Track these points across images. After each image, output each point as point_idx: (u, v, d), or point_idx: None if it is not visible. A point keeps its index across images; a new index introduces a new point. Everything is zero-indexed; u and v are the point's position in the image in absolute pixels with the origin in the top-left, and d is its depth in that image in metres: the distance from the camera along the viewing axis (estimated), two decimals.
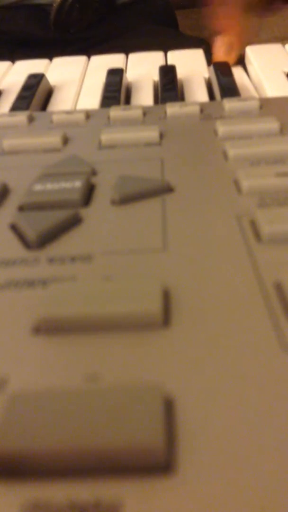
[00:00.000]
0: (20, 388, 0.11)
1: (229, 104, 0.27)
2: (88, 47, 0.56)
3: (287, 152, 0.21)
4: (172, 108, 0.27)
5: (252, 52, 0.40)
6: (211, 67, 0.37)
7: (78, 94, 0.36)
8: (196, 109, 0.27)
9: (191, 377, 0.11)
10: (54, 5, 0.50)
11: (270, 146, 0.21)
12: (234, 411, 0.10)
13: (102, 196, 0.19)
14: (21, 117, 0.28)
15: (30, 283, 0.14)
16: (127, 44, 0.46)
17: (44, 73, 0.38)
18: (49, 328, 0.13)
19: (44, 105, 0.35)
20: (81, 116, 0.28)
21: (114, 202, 0.19)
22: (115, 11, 0.59)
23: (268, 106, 0.28)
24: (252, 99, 0.28)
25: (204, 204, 0.18)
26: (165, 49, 0.41)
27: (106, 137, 0.24)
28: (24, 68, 0.40)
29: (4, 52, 0.45)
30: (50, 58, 0.43)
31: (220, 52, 0.41)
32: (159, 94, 0.34)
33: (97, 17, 0.59)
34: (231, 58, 0.41)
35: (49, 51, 0.43)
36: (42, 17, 0.56)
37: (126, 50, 0.43)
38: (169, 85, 0.34)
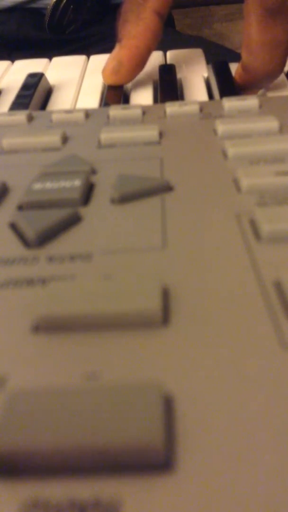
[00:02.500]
0: (19, 386, 0.11)
1: (229, 103, 0.27)
2: (86, 46, 0.56)
3: (286, 151, 0.21)
4: (171, 107, 0.27)
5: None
6: (210, 66, 0.37)
7: (77, 94, 0.36)
8: (196, 108, 0.27)
9: (190, 375, 0.11)
10: (48, 7, 0.50)
11: (269, 145, 0.21)
12: (234, 409, 0.10)
13: (102, 195, 0.19)
14: (21, 116, 0.28)
15: (30, 282, 0.14)
16: None
17: (44, 72, 0.38)
18: (48, 326, 0.13)
19: (43, 104, 0.35)
20: (81, 115, 0.28)
21: (113, 201, 0.19)
22: (112, 11, 0.59)
23: (267, 105, 0.28)
24: (252, 98, 0.28)
25: (203, 203, 0.18)
26: (164, 48, 0.41)
27: (105, 136, 0.24)
28: (24, 67, 0.40)
29: (2, 55, 0.45)
30: (49, 58, 0.43)
31: (108, 69, 0.34)
32: (159, 93, 0.34)
33: (91, 17, 0.59)
34: (120, 78, 0.34)
35: (46, 52, 0.43)
36: (37, 19, 0.55)
37: None
38: (168, 84, 0.34)
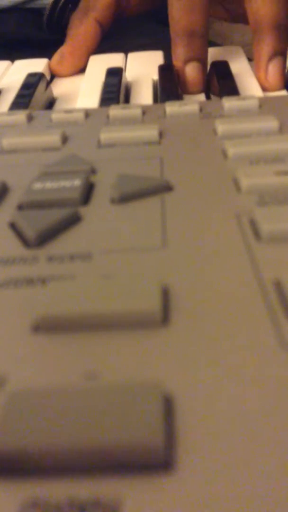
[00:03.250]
0: (19, 386, 0.11)
1: (229, 103, 0.27)
2: None
3: (286, 150, 0.21)
4: (171, 107, 0.27)
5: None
6: (210, 66, 0.37)
7: (77, 93, 0.36)
8: (196, 108, 0.27)
9: (190, 375, 0.11)
10: (47, 7, 0.50)
11: (269, 144, 0.21)
12: (234, 409, 0.10)
13: (102, 194, 0.19)
14: (20, 116, 0.28)
15: (29, 282, 0.14)
16: (126, 43, 0.46)
17: (44, 72, 0.38)
18: (48, 326, 0.13)
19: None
20: (80, 115, 0.28)
21: (113, 201, 0.19)
22: None
23: (267, 105, 0.28)
24: (252, 98, 0.28)
25: (203, 203, 0.18)
26: (165, 48, 0.41)
27: (105, 135, 0.24)
28: (24, 67, 0.40)
29: (2, 55, 0.45)
30: (49, 58, 0.43)
31: (54, 61, 0.41)
32: (158, 93, 0.34)
33: None
34: (63, 68, 0.41)
35: (46, 51, 0.43)
36: (36, 19, 0.55)
37: (125, 49, 0.43)
38: (168, 84, 0.34)
